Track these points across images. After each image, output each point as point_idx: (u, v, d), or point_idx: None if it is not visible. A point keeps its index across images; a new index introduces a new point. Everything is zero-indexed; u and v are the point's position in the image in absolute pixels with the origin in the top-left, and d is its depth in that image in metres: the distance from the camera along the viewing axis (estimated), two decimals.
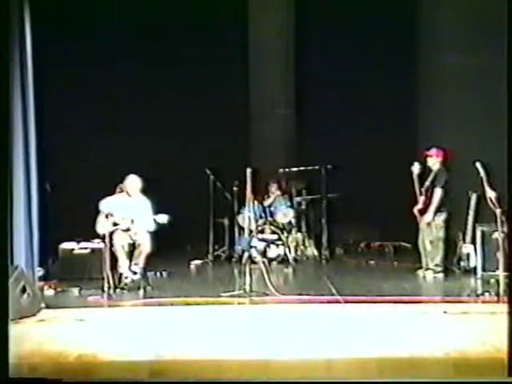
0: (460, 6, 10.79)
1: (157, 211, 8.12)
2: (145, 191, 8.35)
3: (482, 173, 7.45)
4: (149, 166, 9.78)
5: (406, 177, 9.05)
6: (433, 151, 8.87)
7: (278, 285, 8.11)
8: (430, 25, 11.19)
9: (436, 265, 8.78)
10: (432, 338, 5.33)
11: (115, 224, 8.04)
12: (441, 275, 8.73)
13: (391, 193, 9.07)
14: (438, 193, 8.70)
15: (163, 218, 7.98)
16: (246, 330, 5.81)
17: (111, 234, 7.94)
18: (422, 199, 8.79)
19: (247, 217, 8.72)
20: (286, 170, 11.28)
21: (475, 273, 8.50)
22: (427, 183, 8.80)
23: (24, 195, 6.75)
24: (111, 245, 7.90)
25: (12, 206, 6.35)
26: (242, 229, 10.43)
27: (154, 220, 8.04)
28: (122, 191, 8.16)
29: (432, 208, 8.70)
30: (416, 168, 8.81)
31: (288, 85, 12.83)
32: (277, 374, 4.79)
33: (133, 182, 8.28)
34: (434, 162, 8.85)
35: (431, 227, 8.79)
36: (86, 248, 8.56)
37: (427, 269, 8.83)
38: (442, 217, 8.76)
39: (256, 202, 10.28)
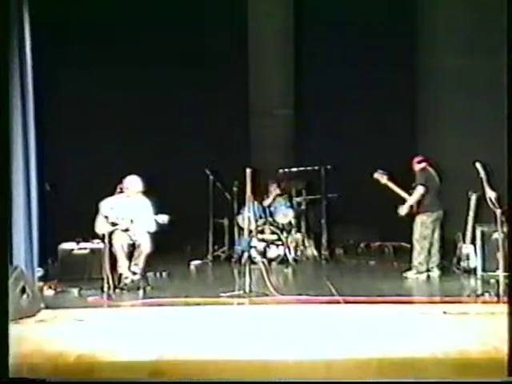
0: (459, 7, 10.80)
1: (157, 211, 8.12)
2: (145, 191, 8.34)
3: (482, 173, 7.46)
4: (149, 166, 9.78)
5: (406, 177, 9.08)
6: (416, 159, 9.06)
7: (278, 285, 8.11)
8: (430, 26, 11.20)
9: (419, 263, 8.80)
10: (432, 338, 5.33)
11: (114, 224, 8.04)
12: (424, 276, 8.75)
13: (391, 193, 9.07)
14: (416, 190, 8.81)
15: (163, 218, 7.98)
16: (246, 330, 5.81)
17: (111, 234, 7.93)
18: None
19: (247, 217, 8.72)
20: (286, 170, 11.27)
21: (475, 273, 8.50)
22: (413, 185, 8.90)
23: (24, 195, 6.75)
24: (111, 245, 7.89)
25: (12, 205, 6.35)
26: (241, 229, 10.41)
27: (155, 220, 8.04)
28: (121, 191, 8.16)
29: (408, 202, 8.80)
30: (380, 176, 8.94)
31: (288, 85, 12.82)
32: (277, 374, 4.79)
33: (133, 183, 8.28)
34: (418, 167, 8.98)
35: (417, 225, 8.82)
36: (85, 248, 8.54)
37: (412, 267, 8.85)
38: (424, 216, 8.79)
39: (256, 203, 10.28)
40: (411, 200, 8.80)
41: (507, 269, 6.70)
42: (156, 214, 8.08)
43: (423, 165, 8.98)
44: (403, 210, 8.82)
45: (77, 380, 4.79)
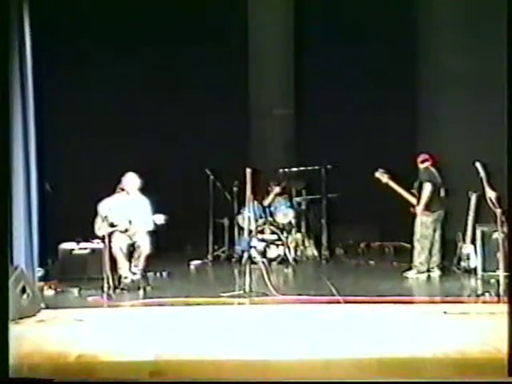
0: (459, 7, 10.80)
1: (156, 211, 8.11)
2: (144, 191, 8.34)
3: (482, 173, 7.46)
4: (149, 166, 9.77)
5: (406, 177, 9.08)
6: (421, 157, 9.00)
7: (278, 285, 8.11)
8: (430, 26, 11.20)
9: (420, 263, 8.80)
10: (432, 338, 5.33)
11: (113, 225, 8.02)
12: (425, 276, 8.74)
13: (391, 193, 9.07)
14: (425, 187, 8.75)
15: (160, 218, 7.97)
16: (246, 330, 5.81)
17: (110, 235, 7.92)
18: (415, 200, 8.86)
19: (247, 217, 8.73)
20: (286, 170, 11.27)
21: (475, 273, 8.50)
22: (416, 184, 8.87)
23: (24, 195, 6.75)
24: (110, 246, 7.89)
25: (12, 206, 6.35)
26: (241, 229, 10.41)
27: (152, 220, 8.03)
28: (121, 191, 8.15)
29: (422, 201, 8.75)
30: (381, 175, 8.95)
31: (288, 85, 12.82)
32: (277, 374, 4.79)
33: (131, 180, 8.27)
34: (422, 166, 8.94)
35: (418, 225, 8.82)
36: (85, 248, 8.55)
37: (412, 267, 8.84)
38: (424, 216, 8.78)
39: (256, 202, 10.28)
40: (423, 198, 8.72)
41: (507, 269, 6.70)
42: (155, 213, 8.07)
43: (426, 164, 8.95)
44: (419, 209, 8.73)
45: (78, 380, 4.79)
